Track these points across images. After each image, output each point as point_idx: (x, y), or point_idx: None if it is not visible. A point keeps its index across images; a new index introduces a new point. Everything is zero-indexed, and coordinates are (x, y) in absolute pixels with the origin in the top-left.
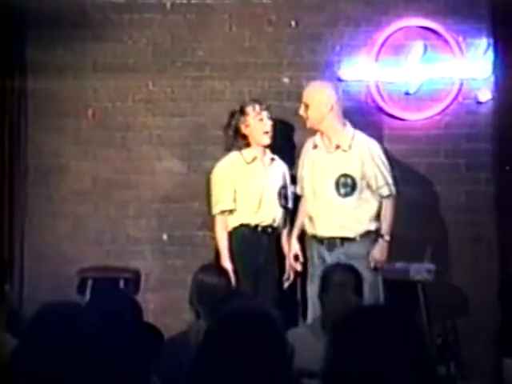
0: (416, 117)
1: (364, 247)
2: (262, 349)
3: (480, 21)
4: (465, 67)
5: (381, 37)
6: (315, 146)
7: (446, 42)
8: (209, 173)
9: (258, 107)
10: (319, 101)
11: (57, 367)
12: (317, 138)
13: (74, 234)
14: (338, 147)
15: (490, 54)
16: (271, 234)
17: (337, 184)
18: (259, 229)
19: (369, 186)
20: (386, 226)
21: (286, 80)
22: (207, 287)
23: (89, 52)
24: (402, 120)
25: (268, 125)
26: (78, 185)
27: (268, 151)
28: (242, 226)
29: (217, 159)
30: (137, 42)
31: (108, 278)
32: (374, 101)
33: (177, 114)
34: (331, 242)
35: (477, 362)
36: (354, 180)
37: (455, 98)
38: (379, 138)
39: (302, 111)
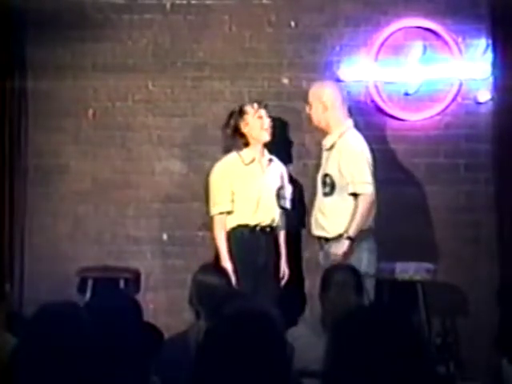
0: (415, 117)
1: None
2: (262, 349)
3: (479, 21)
4: (464, 68)
5: (380, 37)
6: (323, 146)
7: (445, 42)
8: (209, 173)
9: (256, 105)
10: (317, 100)
11: (56, 367)
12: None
13: (74, 233)
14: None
15: (490, 55)
16: (270, 234)
17: (323, 183)
18: (258, 229)
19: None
20: (350, 224)
21: (285, 80)
22: (207, 287)
23: (89, 52)
24: (402, 120)
25: (267, 122)
26: (78, 185)
27: (266, 152)
28: (240, 226)
29: (217, 159)
30: (137, 43)
31: (108, 277)
32: (373, 101)
33: (177, 114)
34: (319, 242)
35: (476, 362)
36: (332, 179)
37: (454, 99)
38: (379, 139)
39: (307, 110)
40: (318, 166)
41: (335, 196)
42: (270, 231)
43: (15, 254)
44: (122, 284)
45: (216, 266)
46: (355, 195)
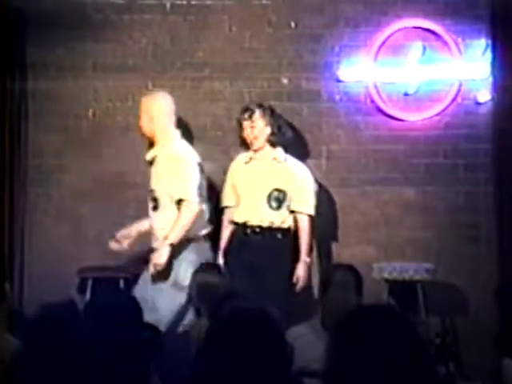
0: (415, 117)
1: None
2: (262, 348)
3: (479, 22)
4: (464, 68)
5: (380, 37)
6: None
7: (444, 42)
8: (209, 173)
9: (246, 115)
10: (145, 111)
11: (57, 366)
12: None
13: (74, 234)
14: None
15: (489, 55)
16: (261, 234)
17: (151, 199)
18: (248, 228)
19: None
20: (170, 231)
21: (285, 81)
22: (207, 286)
23: (89, 52)
24: (401, 120)
25: (251, 133)
26: (79, 185)
27: (273, 153)
28: (233, 223)
29: (217, 159)
30: (137, 43)
31: (108, 277)
32: (373, 101)
33: (177, 114)
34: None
35: (476, 362)
36: (155, 194)
37: (454, 99)
38: (378, 139)
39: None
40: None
41: (161, 209)
42: (260, 231)
43: (15, 254)
44: (121, 284)
45: (216, 265)
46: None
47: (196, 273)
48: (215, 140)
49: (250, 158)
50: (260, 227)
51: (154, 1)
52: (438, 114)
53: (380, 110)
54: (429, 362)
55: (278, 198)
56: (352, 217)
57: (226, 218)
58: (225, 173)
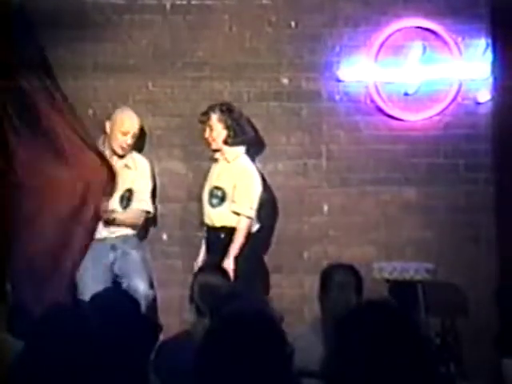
0: (415, 117)
1: None
2: (262, 349)
3: (479, 21)
4: (464, 68)
5: (380, 37)
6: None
7: (445, 42)
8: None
9: (202, 119)
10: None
11: (63, 367)
12: None
13: None
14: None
15: (489, 55)
16: (208, 232)
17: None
18: (208, 227)
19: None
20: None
21: (285, 80)
22: (209, 286)
23: (89, 52)
24: (402, 120)
25: (209, 137)
26: None
27: (227, 151)
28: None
29: (216, 159)
30: (137, 43)
31: None
32: (373, 101)
33: (176, 114)
34: None
35: (476, 362)
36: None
37: (454, 99)
38: (379, 139)
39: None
40: None
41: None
42: (207, 229)
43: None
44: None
45: (216, 265)
46: None
47: (198, 273)
48: None
49: (217, 158)
50: (207, 226)
51: (154, 1)
52: (438, 114)
53: (380, 110)
54: (429, 361)
55: (217, 196)
56: (352, 217)
57: None
58: None
